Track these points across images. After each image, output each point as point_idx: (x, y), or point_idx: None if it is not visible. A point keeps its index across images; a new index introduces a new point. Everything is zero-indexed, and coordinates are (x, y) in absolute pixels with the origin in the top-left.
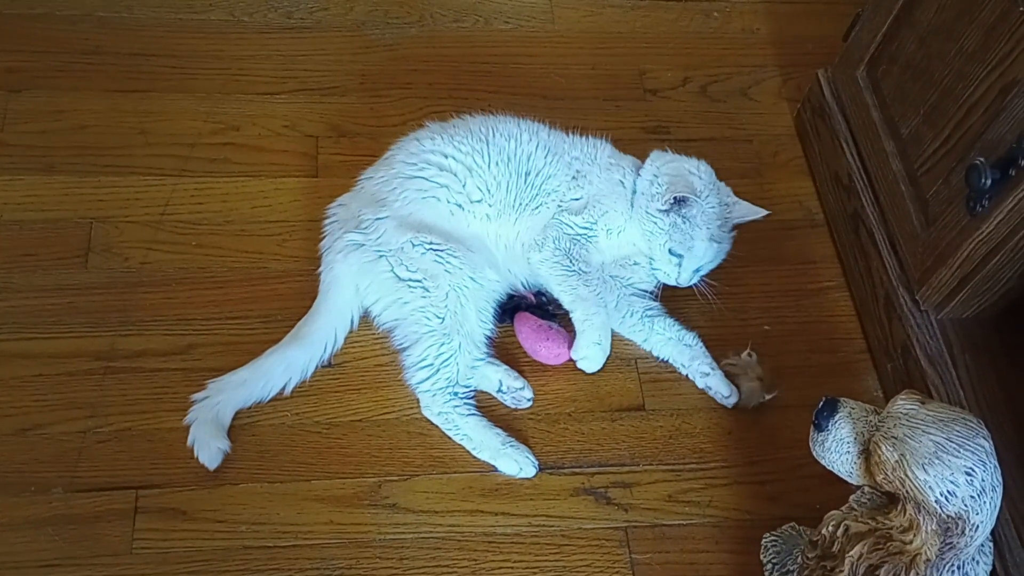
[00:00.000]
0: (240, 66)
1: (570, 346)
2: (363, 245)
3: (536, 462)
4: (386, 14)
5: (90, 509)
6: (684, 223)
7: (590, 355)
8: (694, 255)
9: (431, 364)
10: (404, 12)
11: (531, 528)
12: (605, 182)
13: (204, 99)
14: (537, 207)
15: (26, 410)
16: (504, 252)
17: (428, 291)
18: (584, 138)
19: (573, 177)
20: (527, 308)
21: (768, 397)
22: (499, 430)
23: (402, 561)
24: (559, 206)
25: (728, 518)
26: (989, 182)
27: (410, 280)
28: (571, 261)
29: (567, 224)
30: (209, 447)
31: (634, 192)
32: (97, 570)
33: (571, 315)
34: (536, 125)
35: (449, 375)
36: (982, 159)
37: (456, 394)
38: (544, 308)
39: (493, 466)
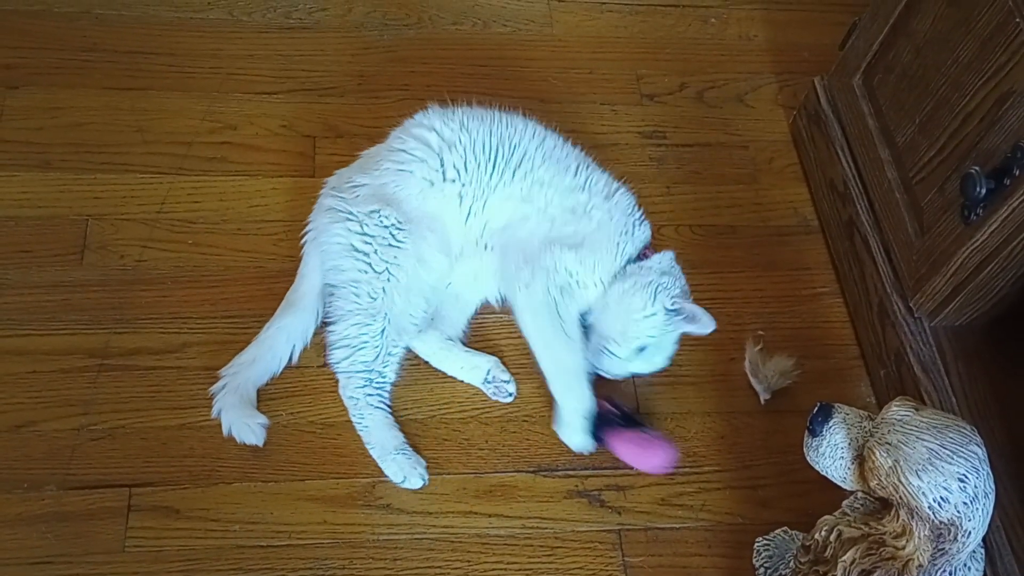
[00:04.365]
0: (238, 65)
1: (672, 454)
2: (334, 208)
3: (426, 477)
4: (384, 15)
5: (83, 507)
6: (671, 329)
7: (573, 428)
8: (653, 357)
9: (349, 344)
10: (403, 14)
11: (524, 530)
12: (607, 229)
13: (202, 98)
14: (525, 197)
15: (20, 407)
16: (474, 238)
17: (370, 267)
18: (599, 172)
19: (572, 209)
20: (615, 423)
21: (786, 382)
22: (400, 433)
23: (395, 562)
24: (550, 235)
25: (721, 522)
26: (984, 191)
27: (359, 251)
28: (560, 317)
29: (559, 260)
30: (249, 426)
31: (628, 261)
32: (90, 568)
33: (548, 382)
34: (547, 131)
35: (365, 358)
36: (977, 168)
37: (371, 381)
38: (630, 417)
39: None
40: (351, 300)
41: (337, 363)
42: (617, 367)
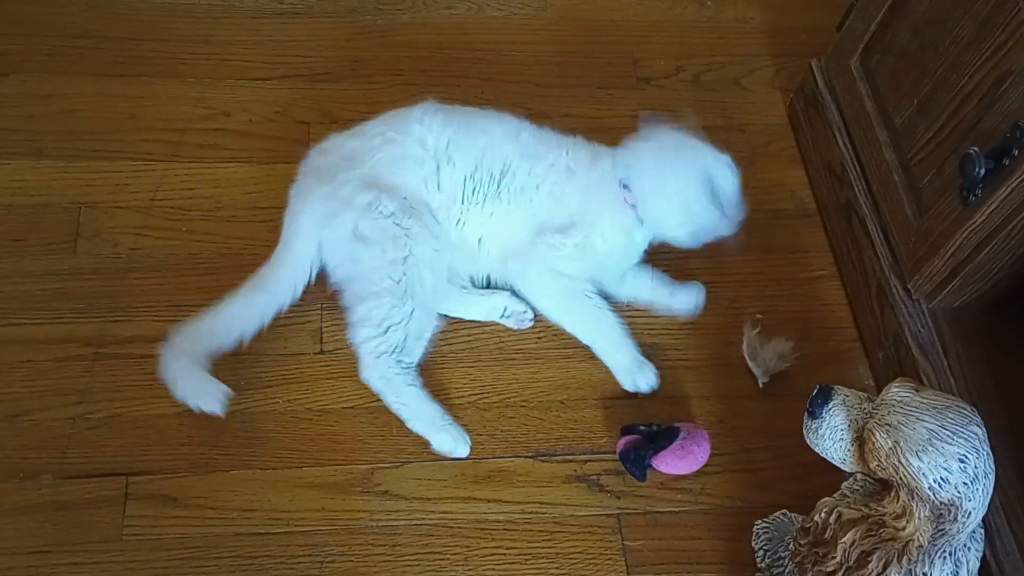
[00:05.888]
0: (231, 51)
1: (705, 434)
2: (330, 198)
3: (470, 443)
4: (378, 0)
5: (80, 495)
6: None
7: (640, 375)
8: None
9: (377, 324)
10: None
11: (523, 515)
12: (593, 188)
13: (195, 84)
14: (508, 209)
15: (15, 396)
16: (472, 245)
17: (384, 252)
18: (559, 137)
19: (549, 192)
20: (656, 450)
21: (785, 366)
22: (439, 405)
23: (394, 548)
24: (538, 231)
25: (720, 505)
26: (983, 172)
27: (368, 240)
28: (569, 281)
29: (555, 246)
30: (206, 393)
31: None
32: (87, 556)
33: (591, 348)
34: (519, 125)
35: (395, 340)
36: (976, 149)
37: (400, 362)
38: (653, 436)
39: (427, 440)
40: (373, 283)
41: (362, 343)
42: (732, 222)
